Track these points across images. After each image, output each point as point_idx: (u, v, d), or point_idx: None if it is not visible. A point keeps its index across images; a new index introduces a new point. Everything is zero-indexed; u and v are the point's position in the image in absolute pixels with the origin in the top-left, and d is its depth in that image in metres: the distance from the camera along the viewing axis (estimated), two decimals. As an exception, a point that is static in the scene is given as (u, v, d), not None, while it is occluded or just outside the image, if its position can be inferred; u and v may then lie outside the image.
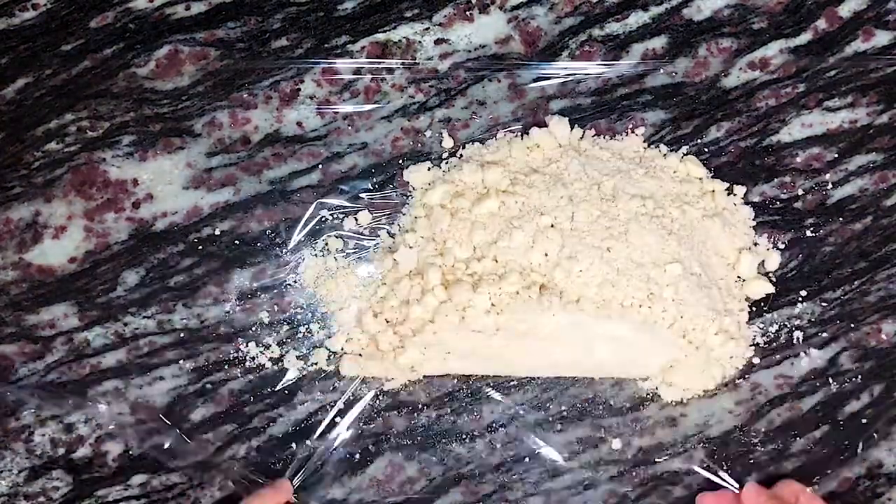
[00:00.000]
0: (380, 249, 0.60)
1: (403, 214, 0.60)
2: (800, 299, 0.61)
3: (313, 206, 0.60)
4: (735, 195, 0.61)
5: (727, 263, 0.60)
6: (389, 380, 0.59)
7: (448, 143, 0.60)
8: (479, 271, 0.57)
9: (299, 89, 0.60)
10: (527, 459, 0.60)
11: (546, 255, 0.56)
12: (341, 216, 0.60)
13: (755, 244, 0.61)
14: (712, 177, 0.61)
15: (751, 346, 0.60)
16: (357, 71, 0.60)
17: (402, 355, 0.57)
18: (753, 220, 0.61)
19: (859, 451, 0.60)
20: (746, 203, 0.61)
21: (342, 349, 0.60)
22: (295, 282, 0.60)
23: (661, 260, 0.57)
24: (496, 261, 0.57)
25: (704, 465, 0.60)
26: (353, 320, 0.59)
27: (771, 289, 0.60)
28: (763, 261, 0.61)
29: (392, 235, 0.60)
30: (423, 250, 0.58)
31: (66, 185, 0.59)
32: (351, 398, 0.60)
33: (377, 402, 0.60)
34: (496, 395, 0.60)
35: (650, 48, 0.60)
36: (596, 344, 0.57)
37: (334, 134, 0.60)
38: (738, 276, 0.60)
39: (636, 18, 0.60)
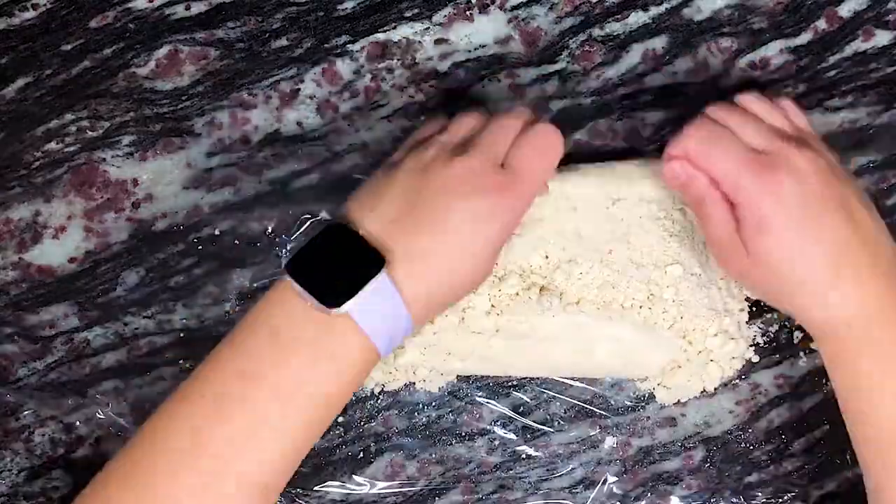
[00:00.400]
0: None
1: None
2: (800, 299, 0.61)
3: (313, 206, 0.60)
4: None
5: None
6: (390, 381, 0.59)
7: None
8: None
9: (299, 89, 0.60)
10: (526, 459, 0.60)
11: (546, 257, 0.56)
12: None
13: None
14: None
15: (751, 346, 0.60)
16: (357, 71, 0.60)
17: (402, 356, 0.57)
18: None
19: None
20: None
21: (342, 349, 0.60)
22: (295, 282, 0.60)
23: (661, 261, 0.57)
24: (496, 263, 0.57)
25: (706, 465, 0.60)
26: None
27: None
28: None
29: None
30: None
31: (66, 185, 0.59)
32: (351, 398, 0.60)
33: (377, 401, 0.60)
34: (491, 404, 0.60)
35: (650, 48, 0.60)
36: (596, 345, 0.57)
37: (334, 134, 0.60)
38: None
39: (636, 18, 0.60)
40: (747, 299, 0.60)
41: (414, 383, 0.60)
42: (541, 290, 0.56)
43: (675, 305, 0.56)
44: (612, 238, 0.56)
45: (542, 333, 0.57)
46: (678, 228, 0.58)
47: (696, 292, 0.57)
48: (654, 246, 0.57)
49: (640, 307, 0.57)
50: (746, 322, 0.60)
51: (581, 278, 0.56)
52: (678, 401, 0.60)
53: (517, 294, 0.56)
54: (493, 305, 0.56)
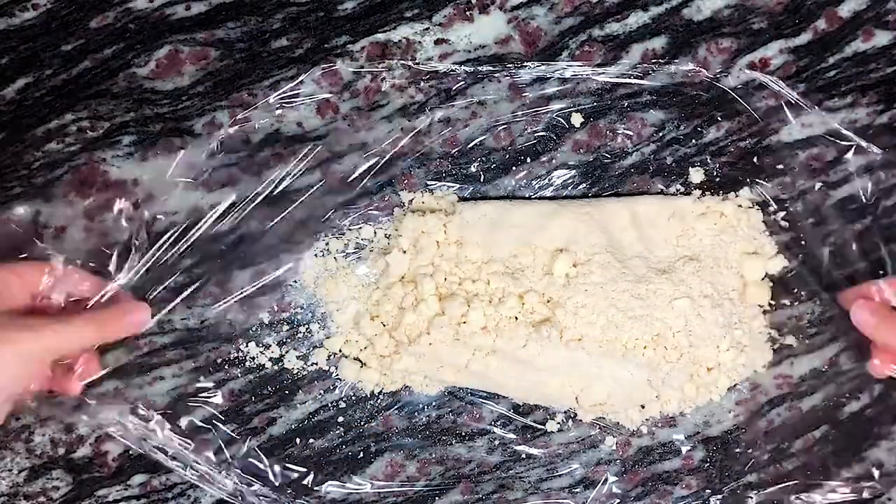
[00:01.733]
0: (375, 250, 0.60)
1: (401, 216, 0.60)
2: (800, 299, 0.61)
3: (313, 206, 0.60)
4: (740, 196, 0.60)
5: (737, 272, 0.59)
6: (388, 383, 0.59)
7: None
8: (473, 290, 0.57)
9: (299, 89, 0.60)
10: (526, 459, 0.60)
11: (549, 300, 0.57)
12: (341, 216, 0.60)
13: (761, 245, 0.60)
14: (714, 179, 0.61)
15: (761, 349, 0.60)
16: (357, 71, 0.60)
17: (398, 362, 0.57)
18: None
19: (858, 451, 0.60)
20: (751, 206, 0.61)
21: (339, 350, 0.60)
22: (295, 282, 0.60)
23: (669, 296, 0.57)
24: (489, 283, 0.57)
25: (706, 465, 0.60)
26: (350, 321, 0.59)
27: (767, 297, 0.60)
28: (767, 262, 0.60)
29: (388, 237, 0.60)
30: (415, 259, 0.58)
31: (66, 185, 0.59)
32: (351, 398, 0.60)
33: (377, 402, 0.60)
34: (491, 405, 0.60)
35: (650, 48, 0.60)
36: (594, 384, 0.57)
37: (334, 134, 0.60)
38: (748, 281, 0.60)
39: (636, 18, 0.60)
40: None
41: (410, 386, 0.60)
42: (543, 321, 0.56)
43: (683, 336, 0.56)
44: (621, 286, 0.57)
45: (539, 363, 0.56)
46: (690, 270, 0.58)
47: (708, 314, 0.57)
48: (665, 289, 0.57)
49: (645, 347, 0.56)
50: (761, 322, 0.60)
51: (585, 316, 0.56)
52: (682, 412, 0.60)
53: (515, 318, 0.56)
54: (488, 324, 0.56)
